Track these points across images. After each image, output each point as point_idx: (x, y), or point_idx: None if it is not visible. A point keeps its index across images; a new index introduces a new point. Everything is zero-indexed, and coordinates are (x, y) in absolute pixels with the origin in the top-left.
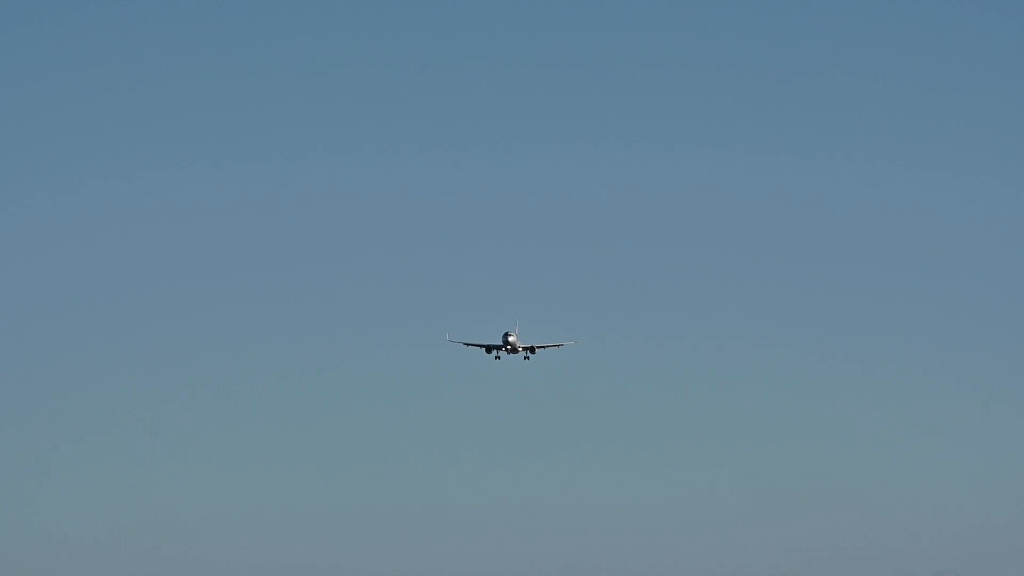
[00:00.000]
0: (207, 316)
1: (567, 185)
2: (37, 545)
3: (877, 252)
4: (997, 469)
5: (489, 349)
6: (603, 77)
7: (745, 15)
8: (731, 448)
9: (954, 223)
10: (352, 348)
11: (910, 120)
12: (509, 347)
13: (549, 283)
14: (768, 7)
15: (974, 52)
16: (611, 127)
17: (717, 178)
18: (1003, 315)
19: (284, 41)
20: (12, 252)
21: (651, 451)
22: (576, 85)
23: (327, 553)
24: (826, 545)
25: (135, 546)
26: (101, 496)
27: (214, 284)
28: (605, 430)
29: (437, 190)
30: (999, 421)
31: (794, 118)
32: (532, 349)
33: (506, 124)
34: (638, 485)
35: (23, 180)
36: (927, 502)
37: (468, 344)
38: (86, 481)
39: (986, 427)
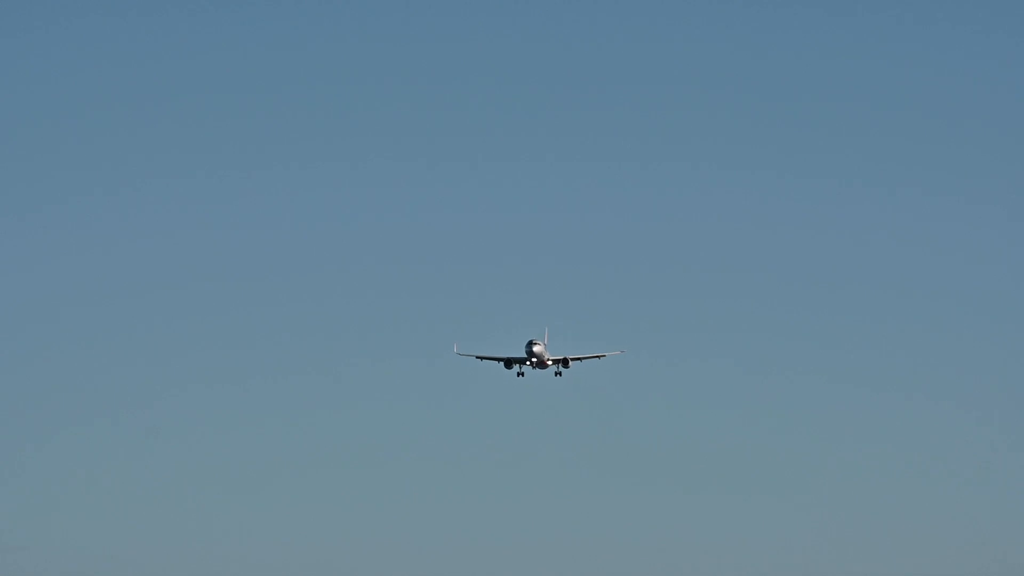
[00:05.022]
0: (203, 324)
1: (600, 191)
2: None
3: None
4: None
5: (509, 363)
6: (642, 87)
7: (752, 30)
8: (808, 482)
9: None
10: (341, 361)
11: (920, 139)
12: (535, 360)
13: (586, 280)
14: (774, 25)
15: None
16: (659, 135)
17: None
18: None
19: (299, 45)
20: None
21: (718, 486)
22: (610, 94)
23: None
24: None
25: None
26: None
27: (214, 291)
28: (660, 464)
29: (456, 191)
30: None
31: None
32: (565, 362)
33: (549, 126)
34: (695, 528)
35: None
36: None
37: (482, 358)
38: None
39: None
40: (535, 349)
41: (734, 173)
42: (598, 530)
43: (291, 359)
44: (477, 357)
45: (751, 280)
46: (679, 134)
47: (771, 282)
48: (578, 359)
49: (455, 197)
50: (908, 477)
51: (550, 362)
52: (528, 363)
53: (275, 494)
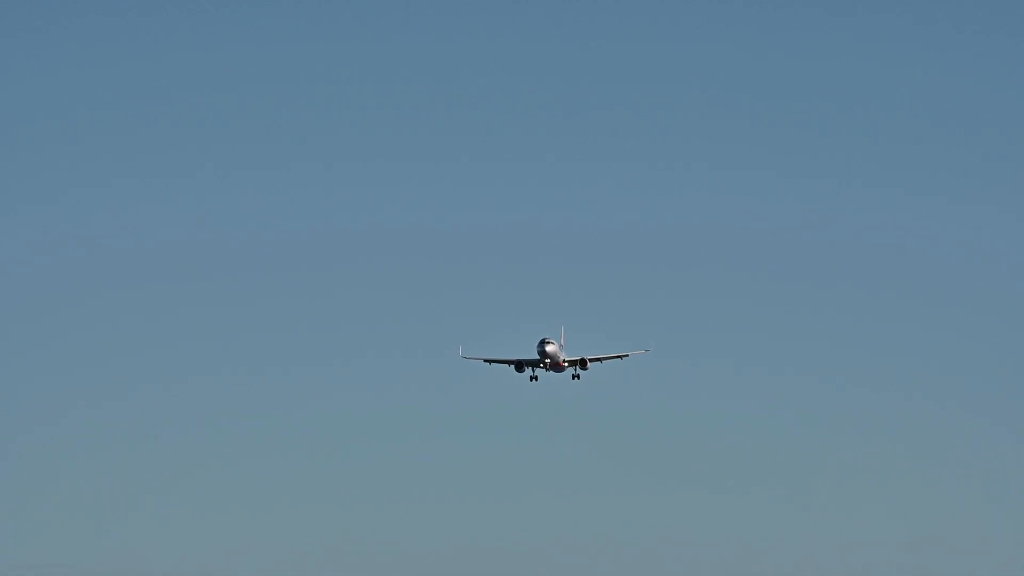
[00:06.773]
0: (206, 326)
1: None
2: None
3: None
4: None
5: (521, 366)
6: (642, 87)
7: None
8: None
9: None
10: (332, 365)
11: (920, 139)
12: (549, 361)
13: (595, 280)
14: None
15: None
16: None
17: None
18: None
19: (299, 46)
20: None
21: (749, 494)
22: (610, 94)
23: None
24: None
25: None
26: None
27: (217, 293)
28: (691, 484)
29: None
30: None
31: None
32: (583, 363)
33: (552, 126)
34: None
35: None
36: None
37: (491, 361)
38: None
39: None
40: (548, 349)
41: (734, 173)
42: (622, 549)
43: (293, 361)
44: (485, 360)
45: (754, 281)
46: (679, 134)
47: (784, 284)
48: (598, 359)
49: (455, 196)
50: (939, 480)
51: (566, 363)
52: (541, 365)
53: (280, 497)
